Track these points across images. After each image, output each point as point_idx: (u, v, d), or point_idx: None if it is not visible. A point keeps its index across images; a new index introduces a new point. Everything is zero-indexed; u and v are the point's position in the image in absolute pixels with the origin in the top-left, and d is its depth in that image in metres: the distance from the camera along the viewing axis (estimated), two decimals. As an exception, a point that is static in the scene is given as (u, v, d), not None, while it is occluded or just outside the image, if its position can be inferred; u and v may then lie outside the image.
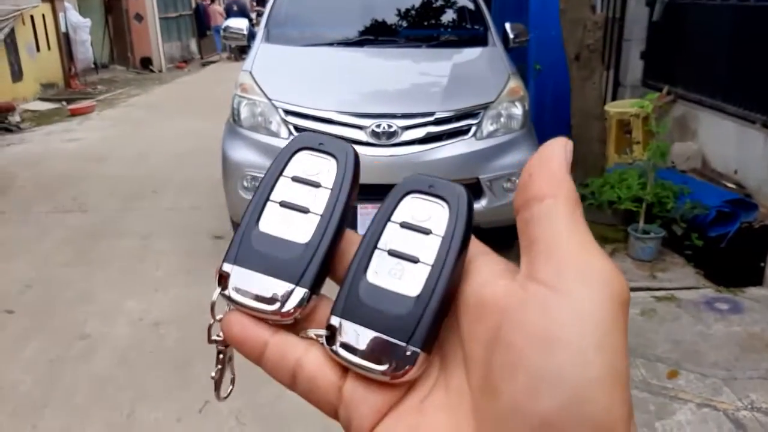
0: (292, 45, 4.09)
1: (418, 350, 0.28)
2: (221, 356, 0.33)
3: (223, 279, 0.31)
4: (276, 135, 3.46)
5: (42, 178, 5.83)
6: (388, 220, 0.30)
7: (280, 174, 0.32)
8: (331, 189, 0.31)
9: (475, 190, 3.39)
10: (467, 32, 4.31)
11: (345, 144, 0.33)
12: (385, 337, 0.28)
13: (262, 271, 0.30)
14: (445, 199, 0.30)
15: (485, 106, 3.44)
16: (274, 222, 0.31)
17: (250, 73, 3.71)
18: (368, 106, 3.40)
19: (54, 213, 4.89)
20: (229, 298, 0.31)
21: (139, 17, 14.13)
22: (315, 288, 0.30)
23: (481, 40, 4.09)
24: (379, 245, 0.30)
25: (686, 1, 5.48)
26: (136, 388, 2.71)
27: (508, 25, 4.30)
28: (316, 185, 0.32)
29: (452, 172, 3.26)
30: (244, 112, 3.56)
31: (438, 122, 3.34)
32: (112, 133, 7.96)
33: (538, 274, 0.26)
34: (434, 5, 4.46)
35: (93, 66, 12.60)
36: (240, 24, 4.48)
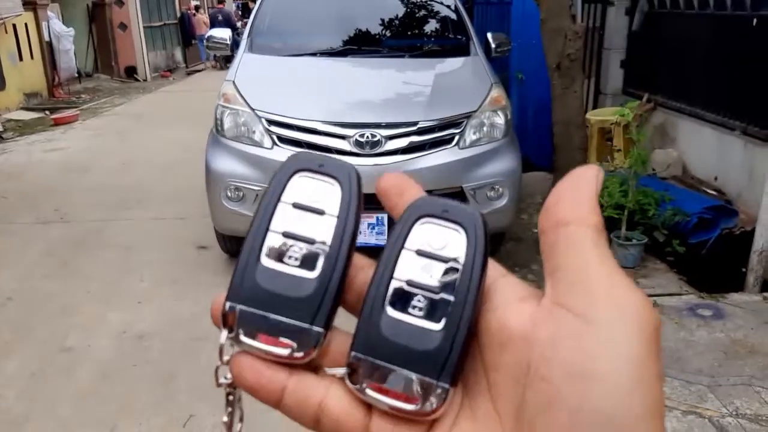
0: (276, 55, 4.10)
1: (448, 386, 0.27)
2: (230, 398, 0.31)
3: (227, 319, 0.28)
4: (259, 145, 3.47)
5: (24, 189, 5.79)
6: (402, 247, 0.29)
7: (278, 200, 0.30)
8: (338, 217, 0.29)
9: (458, 198, 3.41)
10: (450, 42, 4.35)
11: (347, 165, 0.30)
12: (413, 374, 0.27)
13: (272, 311, 0.28)
14: (462, 224, 0.29)
15: (468, 116, 3.46)
16: (278, 255, 0.29)
17: (233, 83, 3.71)
18: (352, 115, 3.41)
19: (36, 224, 4.85)
20: (238, 341, 0.28)
21: (123, 26, 14.08)
22: (329, 324, 0.28)
23: (463, 50, 4.13)
24: (395, 275, 0.28)
25: (665, 11, 5.57)
26: (119, 402, 2.69)
27: (489, 35, 4.34)
28: (320, 212, 0.29)
29: (436, 181, 3.28)
30: (227, 122, 3.57)
31: (421, 131, 3.36)
32: (95, 142, 7.92)
33: (568, 303, 0.25)
34: (417, 15, 4.50)
35: (77, 75, 12.53)
36: (223, 34, 4.49)
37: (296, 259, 0.29)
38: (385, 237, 3.37)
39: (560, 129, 4.58)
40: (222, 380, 0.30)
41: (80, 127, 9.04)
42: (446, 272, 0.28)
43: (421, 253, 0.28)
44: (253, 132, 3.50)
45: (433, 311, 0.28)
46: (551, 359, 0.25)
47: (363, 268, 0.30)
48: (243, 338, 0.28)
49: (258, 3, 4.50)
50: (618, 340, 0.24)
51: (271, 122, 3.46)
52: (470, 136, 3.46)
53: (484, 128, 3.53)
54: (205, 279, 3.77)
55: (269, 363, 0.28)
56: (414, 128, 3.34)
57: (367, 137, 3.29)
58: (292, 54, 4.10)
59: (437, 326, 0.27)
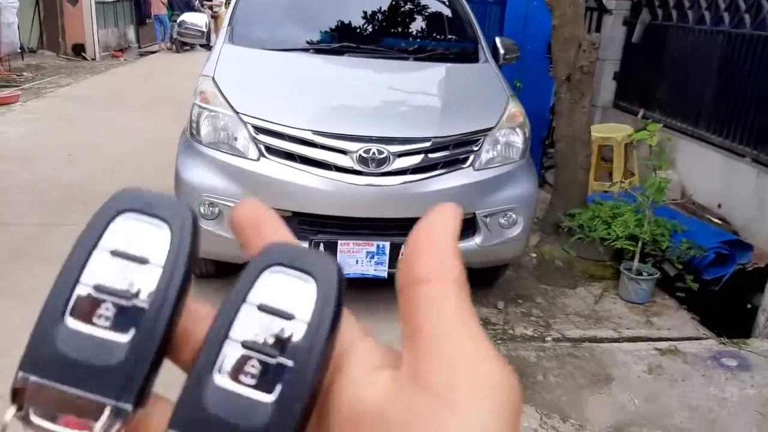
0: (261, 48, 3.60)
1: None
2: None
3: (18, 394, 0.23)
4: (242, 155, 2.98)
5: (-48, 181, 5.08)
6: (243, 300, 0.25)
7: (95, 246, 0.25)
8: (163, 267, 0.25)
9: (469, 226, 3.02)
10: (457, 45, 3.93)
11: (181, 206, 0.26)
12: None
13: (71, 384, 0.23)
14: (312, 275, 0.25)
15: (485, 133, 3.07)
16: (86, 313, 0.24)
17: (213, 79, 3.20)
18: (355, 126, 2.96)
19: (-34, 226, 4.20)
20: (27, 422, 0.23)
21: (74, 0, 13.10)
22: (142, 399, 0.24)
23: (472, 56, 3.73)
24: (230, 335, 0.24)
25: (669, 24, 5.31)
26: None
27: (498, 40, 3.96)
28: (143, 261, 0.25)
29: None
30: (205, 126, 3.06)
31: (435, 149, 2.94)
32: (37, 127, 7.16)
33: (425, 378, 0.23)
34: (421, 14, 4.06)
35: (19, 51, 11.54)
36: (198, 20, 3.94)
37: (107, 318, 0.24)
38: (386, 268, 2.95)
39: (564, 146, 4.25)
40: None
41: (20, 109, 8.21)
42: (288, 331, 0.24)
43: (263, 308, 0.25)
44: (236, 139, 3.01)
45: (266, 379, 0.24)
46: None
47: (204, 320, 0.25)
48: (33, 418, 0.23)
49: (241, -15, 3.98)
50: (476, 421, 0.22)
51: (258, 129, 2.98)
52: (486, 155, 3.07)
53: (499, 147, 3.15)
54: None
55: None
56: (427, 145, 2.92)
57: (373, 153, 2.84)
58: (280, 48, 3.60)
59: (269, 398, 0.23)
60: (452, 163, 2.99)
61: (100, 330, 0.24)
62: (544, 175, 5.40)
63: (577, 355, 3.00)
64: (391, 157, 2.86)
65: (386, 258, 2.90)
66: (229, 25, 3.64)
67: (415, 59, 3.63)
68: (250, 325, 0.25)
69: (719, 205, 4.45)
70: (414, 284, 0.24)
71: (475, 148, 3.04)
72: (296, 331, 0.24)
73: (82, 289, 0.25)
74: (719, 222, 4.29)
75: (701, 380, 2.86)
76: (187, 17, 3.92)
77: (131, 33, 15.95)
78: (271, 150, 2.95)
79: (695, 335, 3.28)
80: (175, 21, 5.00)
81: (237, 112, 3.01)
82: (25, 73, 10.94)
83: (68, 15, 13.10)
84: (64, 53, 13.22)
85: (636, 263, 3.55)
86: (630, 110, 5.79)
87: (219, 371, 0.24)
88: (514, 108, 3.23)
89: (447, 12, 4.09)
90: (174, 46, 15.12)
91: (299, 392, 0.24)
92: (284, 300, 0.25)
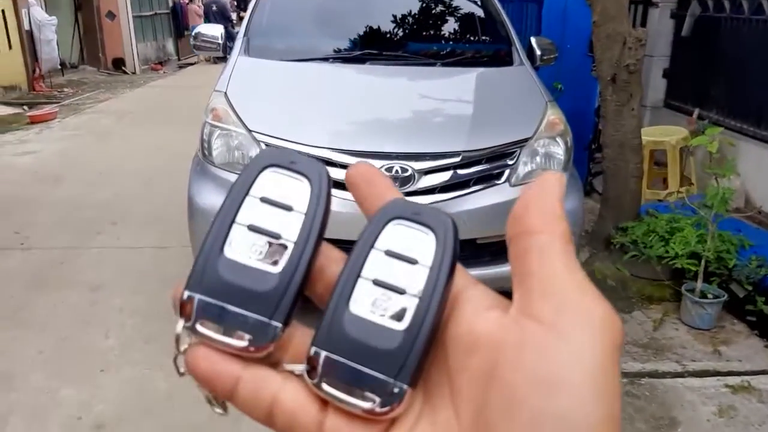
0: (278, 59, 3.37)
1: (406, 386, 0.27)
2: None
3: (185, 308, 0.28)
4: (257, 176, 2.74)
5: (-17, 203, 5.03)
6: (372, 246, 0.28)
7: (247, 193, 0.29)
8: (305, 214, 0.29)
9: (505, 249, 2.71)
10: (489, 48, 3.62)
11: (318, 164, 0.30)
12: (371, 372, 0.27)
13: (231, 303, 0.28)
14: (431, 228, 0.29)
15: (522, 144, 2.75)
16: (242, 248, 0.28)
17: (225, 95, 2.99)
18: (375, 142, 2.70)
19: (-10, 251, 4.11)
20: (194, 331, 0.28)
21: (112, 15, 13.25)
22: (289, 320, 0.28)
23: (505, 58, 3.41)
24: (362, 274, 0.28)
25: (722, 15, 4.86)
26: None
27: (533, 40, 3.62)
28: (288, 208, 0.29)
29: (482, 227, 2.57)
30: (217, 146, 2.84)
31: (465, 164, 2.64)
32: (72, 145, 7.14)
33: (535, 312, 0.25)
34: (449, 14, 3.76)
35: (59, 67, 11.71)
36: (213, 30, 3.74)
37: (260, 253, 0.28)
38: None
39: (613, 153, 3.87)
40: (183, 370, 0.29)
41: (58, 126, 8.25)
42: (413, 274, 0.28)
43: (390, 253, 0.28)
44: (250, 158, 2.77)
45: (397, 311, 0.28)
46: (517, 364, 0.25)
47: (336, 261, 0.30)
48: (199, 328, 0.28)
49: (257, -5, 3.76)
50: (583, 349, 0.24)
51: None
52: (523, 169, 2.75)
53: (538, 159, 2.83)
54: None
55: (225, 354, 0.28)
56: (456, 160, 2.62)
57: (397, 171, 2.56)
58: (298, 59, 3.36)
59: (400, 326, 0.27)
60: (486, 179, 2.68)
61: (253, 261, 0.28)
62: (592, 182, 5.02)
63: (636, 393, 2.65)
64: (417, 175, 2.57)
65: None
66: (244, 35, 3.42)
67: (443, 65, 3.33)
68: (380, 267, 0.28)
69: (790, 214, 4.00)
70: (525, 235, 0.27)
71: (511, 162, 2.73)
72: (420, 273, 0.28)
73: (238, 228, 0.29)
74: (791, 233, 3.84)
75: (782, 426, 2.48)
76: (203, 29, 3.72)
77: (170, 45, 16.09)
78: (286, 171, 2.71)
79: (771, 368, 2.88)
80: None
81: (250, 131, 2.78)
82: (66, 89, 11.09)
83: (107, 30, 13.26)
84: (105, 68, 13.40)
85: (700, 284, 3.16)
86: (683, 110, 5.35)
87: (355, 302, 0.28)
88: (553, 115, 2.90)
89: (477, 12, 3.79)
90: (212, 57, 15.17)
91: (425, 322, 0.27)
92: (407, 248, 0.28)
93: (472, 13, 3.79)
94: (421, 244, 0.28)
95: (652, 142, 4.47)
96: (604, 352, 0.24)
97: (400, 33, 3.62)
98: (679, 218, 3.38)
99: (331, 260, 0.30)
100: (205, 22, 15.24)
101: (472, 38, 3.82)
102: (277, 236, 0.28)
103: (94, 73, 13.06)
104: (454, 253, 0.28)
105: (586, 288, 0.25)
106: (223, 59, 3.80)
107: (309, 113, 2.92)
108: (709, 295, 3.16)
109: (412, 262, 0.28)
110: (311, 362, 0.27)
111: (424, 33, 3.72)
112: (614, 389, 0.24)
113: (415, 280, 0.28)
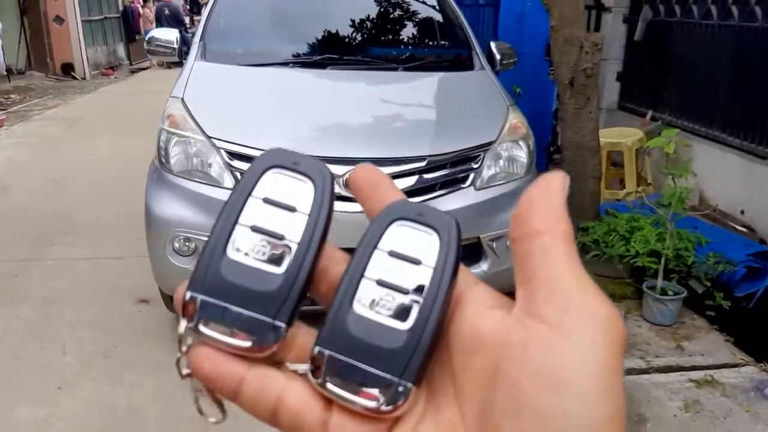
0: (236, 64, 3.30)
1: (410, 385, 0.27)
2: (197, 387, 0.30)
3: (187, 308, 0.28)
4: (217, 183, 2.68)
5: (-75, 216, 4.79)
6: (375, 247, 0.29)
7: (250, 194, 0.29)
8: (309, 215, 0.29)
9: (474, 251, 2.71)
10: (450, 52, 3.63)
11: (322, 165, 0.30)
12: (376, 371, 0.27)
13: (234, 304, 0.28)
14: (434, 228, 0.29)
15: (486, 148, 2.76)
16: (245, 248, 0.29)
17: (182, 100, 2.91)
18: (340, 147, 2.66)
19: (-66, 266, 3.91)
20: (197, 332, 0.28)
21: (60, 19, 12.84)
22: (292, 320, 0.28)
23: (465, 63, 3.42)
24: (366, 274, 0.28)
25: (674, 20, 5.00)
26: None
27: (493, 45, 3.65)
28: (292, 209, 0.29)
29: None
30: (175, 153, 2.76)
31: (430, 169, 2.63)
32: (20, 153, 6.89)
33: (540, 312, 0.26)
34: (409, 19, 3.75)
35: (5, 73, 11.29)
36: (168, 35, 3.63)
37: (263, 253, 0.29)
38: None
39: (572, 154, 3.93)
40: (185, 371, 0.29)
41: (5, 134, 7.94)
42: (417, 274, 0.28)
43: (393, 254, 0.29)
44: (209, 166, 2.71)
45: (400, 311, 0.28)
46: (521, 363, 0.25)
47: (339, 262, 0.30)
48: (202, 329, 0.28)
49: (213, -4, 3.68)
50: (588, 349, 0.24)
51: (232, 154, 2.68)
52: (487, 173, 2.76)
53: (501, 162, 2.84)
54: (147, 350, 2.95)
55: (228, 355, 0.28)
56: (422, 164, 2.61)
57: (362, 177, 2.53)
58: (256, 63, 3.30)
59: (404, 326, 0.27)
60: (451, 183, 2.68)
61: (256, 262, 0.28)
62: (551, 183, 5.08)
63: (601, 392, 2.68)
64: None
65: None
66: (200, 40, 3.34)
67: (405, 69, 3.32)
68: (383, 267, 0.28)
69: (742, 212, 4.13)
70: (529, 236, 0.27)
71: (476, 166, 2.74)
72: (423, 274, 0.28)
73: (241, 228, 0.29)
74: (744, 230, 3.97)
75: (746, 417, 2.54)
76: (157, 33, 3.62)
77: (121, 50, 15.71)
78: (249, 177, 2.65)
79: (732, 361, 2.95)
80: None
81: (209, 137, 2.71)
82: (12, 96, 10.69)
83: (55, 34, 12.86)
84: (53, 73, 12.98)
85: (660, 281, 3.23)
86: (637, 111, 5.48)
87: (359, 302, 0.28)
88: (516, 119, 2.92)
89: (436, 16, 3.79)
90: (165, 62, 14.86)
91: (430, 322, 0.27)
92: (411, 248, 0.28)
93: (433, 18, 3.79)
94: (425, 244, 0.28)
95: (610, 144, 4.56)
96: (609, 352, 0.24)
97: (361, 37, 3.60)
98: (638, 217, 3.45)
99: (334, 261, 0.30)
100: (157, 26, 14.94)
101: (433, 43, 3.83)
102: (280, 237, 0.28)
103: (42, 79, 12.64)
104: (458, 254, 0.28)
105: (590, 288, 0.26)
106: (179, 64, 3.70)
107: (270, 119, 2.87)
108: (670, 292, 3.23)
109: (415, 262, 0.28)
110: (315, 362, 0.27)
111: (385, 37, 3.71)
112: (619, 388, 0.25)
113: (419, 280, 0.28)
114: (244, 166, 2.66)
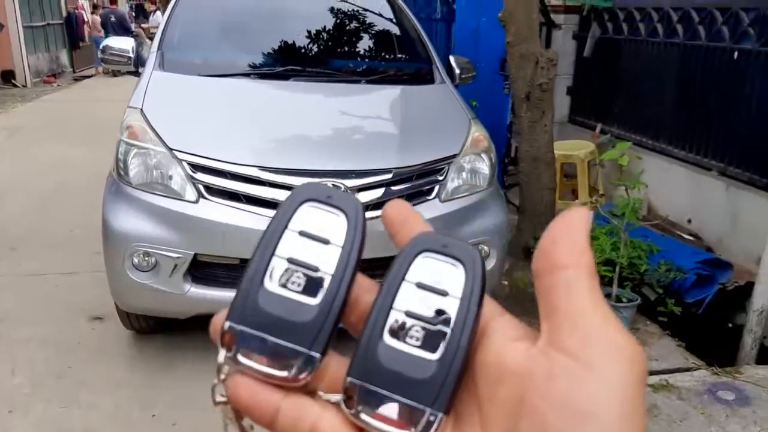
0: (196, 74, 3.25)
1: (441, 414, 0.28)
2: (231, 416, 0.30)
3: (225, 338, 0.29)
4: (179, 197, 2.62)
5: None
6: (403, 279, 0.30)
7: (286, 227, 0.30)
8: (342, 247, 0.30)
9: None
10: (411, 66, 3.66)
11: (354, 199, 0.31)
12: (408, 401, 0.28)
13: (271, 334, 0.29)
14: (459, 260, 0.30)
15: (450, 160, 2.79)
16: (282, 280, 0.29)
17: (141, 111, 2.84)
18: (306, 159, 2.65)
19: None
20: (236, 362, 0.29)
21: (0, 25, 12.36)
22: (326, 350, 0.29)
23: (426, 76, 3.46)
24: (395, 305, 0.29)
25: (621, 38, 5.20)
26: None
27: (452, 59, 3.71)
28: (326, 242, 0.30)
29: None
30: (135, 165, 2.69)
31: (397, 181, 2.65)
32: (-42, 164, 6.57)
33: (564, 344, 0.26)
34: (371, 32, 3.78)
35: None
36: (124, 44, 3.54)
37: (299, 285, 0.29)
38: None
39: (528, 167, 4.02)
40: (219, 398, 0.30)
41: (-60, 144, 7.57)
42: (444, 305, 0.29)
43: (420, 285, 0.29)
44: (170, 178, 2.65)
45: (429, 341, 0.28)
46: (546, 394, 0.26)
47: (368, 290, 0.31)
48: (240, 358, 0.29)
49: (172, 4, 3.61)
50: (612, 381, 0.25)
51: (195, 167, 2.63)
52: (451, 185, 2.79)
53: (464, 175, 2.88)
54: (103, 369, 2.85)
55: (264, 384, 0.29)
56: (388, 177, 2.62)
57: (328, 189, 2.53)
58: (217, 74, 3.25)
59: (433, 356, 0.28)
60: (416, 196, 2.70)
61: (292, 293, 0.29)
62: (507, 194, 5.19)
63: (563, 400, 2.74)
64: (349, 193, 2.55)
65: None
66: (158, 49, 3.27)
67: (368, 82, 3.33)
68: (411, 299, 0.29)
69: (689, 221, 4.30)
70: (553, 270, 0.27)
71: (440, 178, 2.77)
72: (451, 305, 0.29)
73: (277, 260, 0.30)
74: (691, 238, 4.14)
75: (701, 419, 2.63)
76: (112, 42, 3.52)
77: (64, 57, 15.21)
78: (212, 190, 2.60)
79: (684, 365, 3.06)
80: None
81: (170, 149, 2.66)
82: (-54, 104, 10.21)
83: (-6, 41, 12.35)
84: (-8, 81, 12.46)
85: (615, 289, 3.33)
86: (587, 125, 5.66)
87: (389, 334, 0.29)
88: (477, 132, 2.97)
89: (397, 30, 3.83)
90: (111, 70, 14.46)
91: (458, 352, 0.28)
92: (437, 280, 0.29)
93: (393, 32, 3.83)
94: (450, 276, 0.29)
95: (563, 156, 4.69)
96: (632, 384, 0.25)
97: (324, 49, 3.60)
98: (593, 227, 3.54)
99: (364, 289, 0.31)
100: (104, 33, 14.55)
101: (395, 56, 3.86)
102: (315, 269, 0.29)
103: (-21, 86, 12.12)
104: (483, 284, 0.29)
105: (612, 322, 0.26)
106: (134, 73, 3.62)
107: (233, 131, 2.83)
108: (624, 299, 3.33)
109: (442, 294, 0.29)
110: (348, 392, 0.28)
111: (348, 50, 3.72)
112: (642, 419, 0.25)
113: (447, 311, 0.29)
114: (207, 178, 2.61)
